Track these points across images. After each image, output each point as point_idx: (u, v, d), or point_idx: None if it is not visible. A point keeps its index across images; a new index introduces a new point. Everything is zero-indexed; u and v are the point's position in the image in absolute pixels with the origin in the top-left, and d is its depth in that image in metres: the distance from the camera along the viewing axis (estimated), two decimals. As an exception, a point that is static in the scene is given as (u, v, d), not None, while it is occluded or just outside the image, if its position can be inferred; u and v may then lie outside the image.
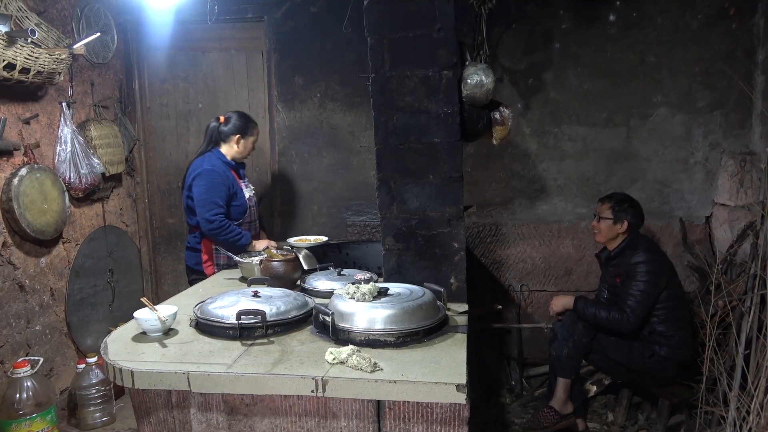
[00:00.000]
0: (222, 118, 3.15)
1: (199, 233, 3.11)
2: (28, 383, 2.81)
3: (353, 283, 2.01)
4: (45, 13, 3.21)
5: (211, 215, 2.93)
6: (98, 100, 3.70)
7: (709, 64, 3.47)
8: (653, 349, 2.92)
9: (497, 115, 2.49)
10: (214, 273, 3.08)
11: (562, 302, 3.10)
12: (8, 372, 2.85)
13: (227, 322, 1.88)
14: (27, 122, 3.12)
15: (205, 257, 3.12)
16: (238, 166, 3.21)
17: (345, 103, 3.83)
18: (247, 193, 3.21)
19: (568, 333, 2.99)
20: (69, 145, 3.28)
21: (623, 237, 3.05)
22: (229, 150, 3.14)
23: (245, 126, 3.13)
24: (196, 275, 3.15)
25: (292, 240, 3.18)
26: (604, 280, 3.22)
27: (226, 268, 3.05)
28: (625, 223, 3.02)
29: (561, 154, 3.69)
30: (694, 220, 3.61)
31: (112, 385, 3.25)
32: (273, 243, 3.12)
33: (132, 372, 1.66)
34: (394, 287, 2.02)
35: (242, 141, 3.13)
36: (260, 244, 3.07)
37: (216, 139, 3.14)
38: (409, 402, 1.56)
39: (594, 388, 3.36)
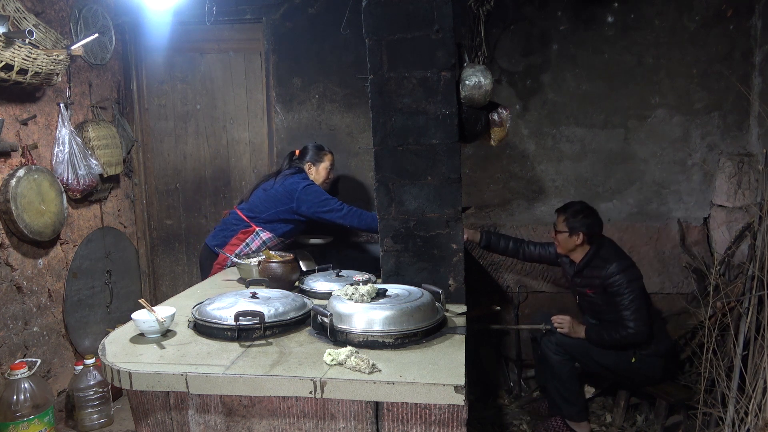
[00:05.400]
0: (297, 152, 3.35)
1: (241, 222, 3.15)
2: (26, 385, 2.80)
3: (351, 285, 2.02)
4: (43, 14, 3.20)
5: (334, 206, 3.04)
6: (96, 101, 3.69)
7: (707, 66, 3.48)
8: (635, 350, 2.92)
9: (495, 117, 2.50)
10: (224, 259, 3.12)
11: (576, 332, 2.98)
12: (5, 374, 2.84)
13: (225, 323, 1.88)
14: (25, 123, 3.11)
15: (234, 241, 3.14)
16: None
17: (343, 104, 3.83)
18: None
19: (550, 374, 3.03)
20: (67, 146, 3.28)
21: (587, 248, 2.99)
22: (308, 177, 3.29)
23: (315, 154, 3.32)
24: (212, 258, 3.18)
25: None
26: (573, 285, 3.16)
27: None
28: (581, 235, 2.95)
29: (559, 156, 3.69)
30: (692, 222, 3.62)
31: (110, 387, 3.24)
32: None
33: (130, 373, 1.65)
34: (393, 288, 2.03)
35: (314, 168, 3.30)
36: None
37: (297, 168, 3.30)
38: (407, 403, 1.56)
39: (592, 390, 3.37)
